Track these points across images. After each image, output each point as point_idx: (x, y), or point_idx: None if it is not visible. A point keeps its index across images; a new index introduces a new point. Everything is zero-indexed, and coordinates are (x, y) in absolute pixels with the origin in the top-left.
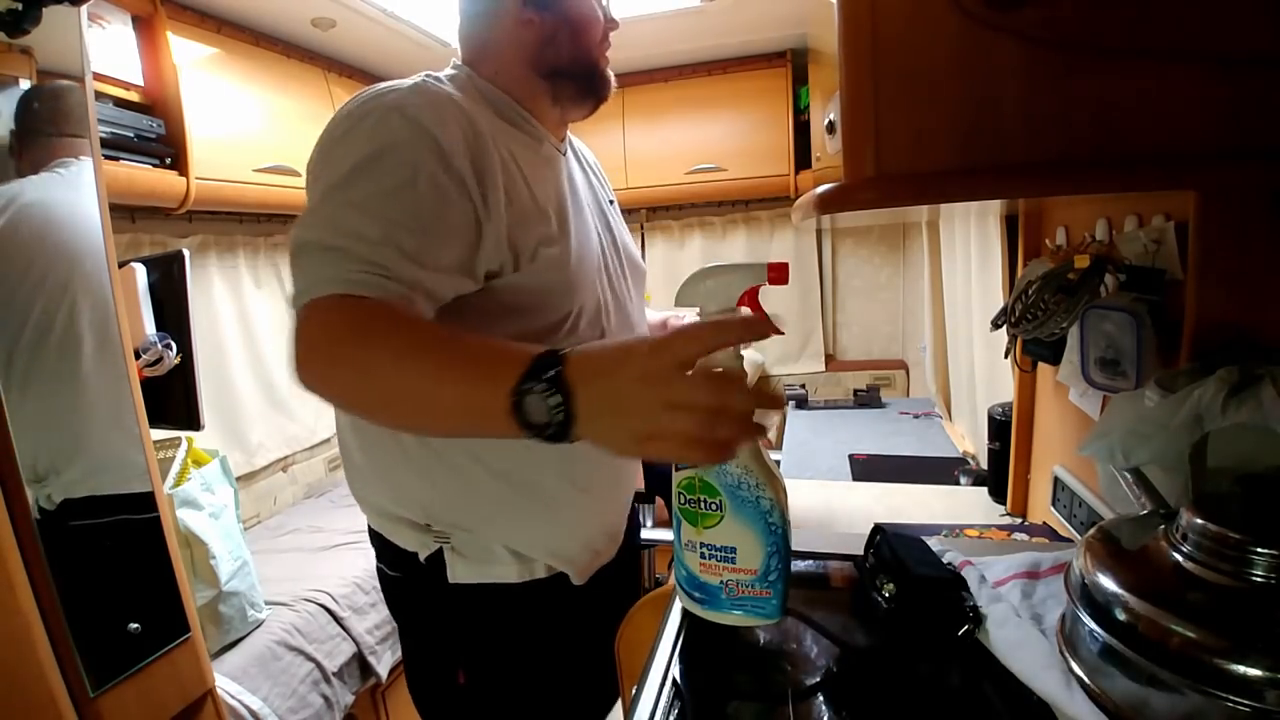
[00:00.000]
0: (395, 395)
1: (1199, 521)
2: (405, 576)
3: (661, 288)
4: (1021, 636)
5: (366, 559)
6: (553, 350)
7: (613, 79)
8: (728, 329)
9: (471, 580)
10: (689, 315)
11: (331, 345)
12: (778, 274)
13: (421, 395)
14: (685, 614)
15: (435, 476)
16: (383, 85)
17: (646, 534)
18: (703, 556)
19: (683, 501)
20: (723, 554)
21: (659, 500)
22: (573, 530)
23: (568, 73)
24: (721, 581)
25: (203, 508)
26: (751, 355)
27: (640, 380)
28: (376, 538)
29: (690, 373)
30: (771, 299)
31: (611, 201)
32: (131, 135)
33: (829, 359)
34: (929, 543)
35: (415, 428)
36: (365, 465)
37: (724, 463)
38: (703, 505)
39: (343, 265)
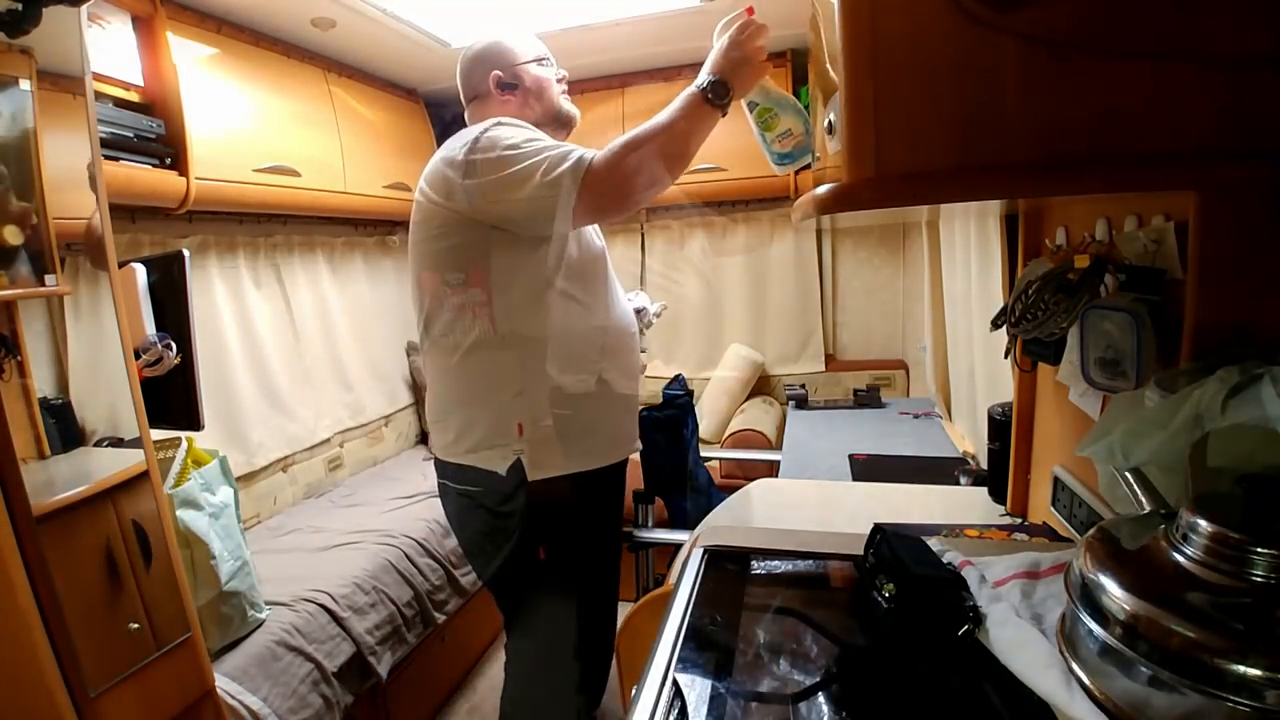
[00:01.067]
0: (666, 142)
1: (1199, 521)
2: (488, 489)
3: (661, 288)
4: (1021, 636)
5: (366, 559)
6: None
7: (576, 112)
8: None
9: (547, 475)
10: (638, 301)
11: (619, 159)
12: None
13: (675, 129)
14: (685, 613)
15: (535, 409)
16: (482, 125)
17: (646, 534)
18: (779, 138)
19: (760, 122)
20: (785, 135)
21: (659, 501)
22: (619, 429)
23: (543, 121)
24: (791, 149)
25: (203, 508)
26: (751, 355)
27: (743, 49)
28: (456, 471)
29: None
30: (772, 298)
31: None
32: (131, 135)
33: (829, 359)
34: (929, 543)
35: (685, 148)
36: (477, 418)
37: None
38: (769, 117)
39: (576, 157)
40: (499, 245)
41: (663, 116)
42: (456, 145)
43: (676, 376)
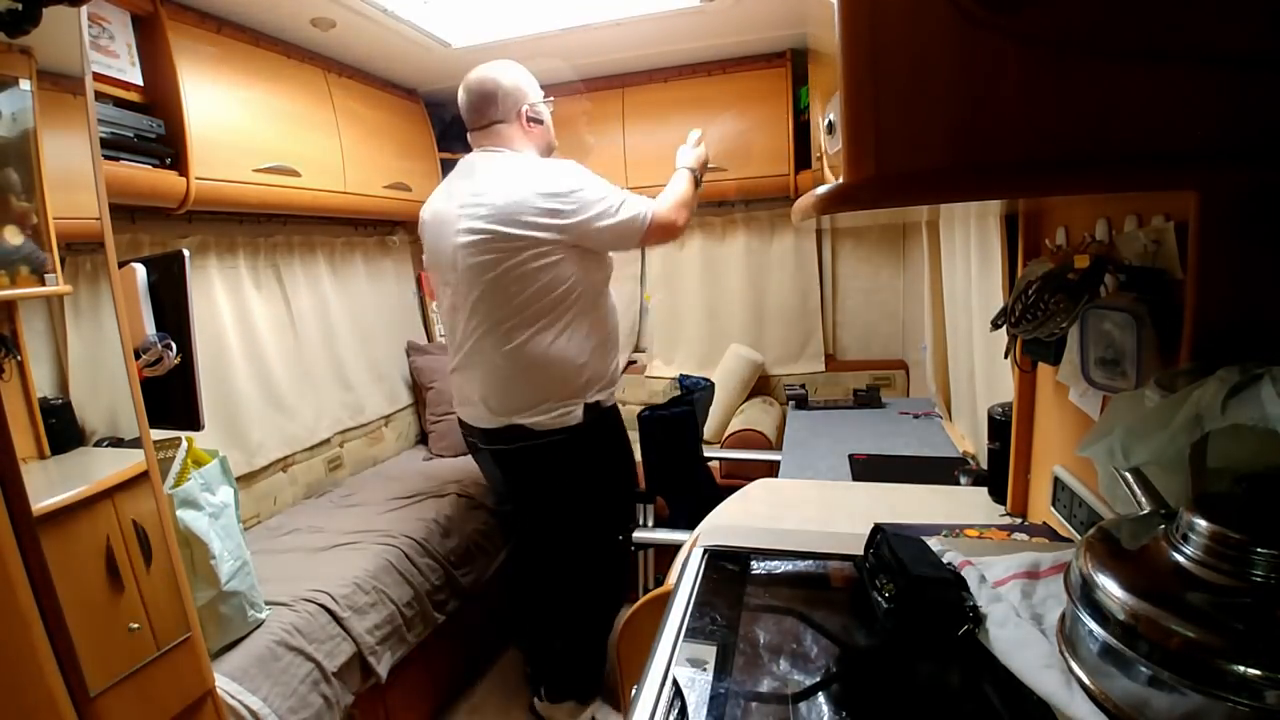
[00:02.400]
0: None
1: (1199, 521)
2: (569, 430)
3: (661, 287)
4: (1021, 636)
5: (366, 559)
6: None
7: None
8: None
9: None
10: None
11: (672, 215)
12: None
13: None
14: (685, 613)
15: (594, 375)
16: (570, 166)
17: (646, 534)
18: None
19: None
20: None
21: (659, 500)
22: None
23: (545, 150)
24: None
25: (203, 508)
26: (751, 355)
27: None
28: (532, 433)
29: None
30: (772, 299)
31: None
32: (131, 135)
33: (829, 359)
34: (929, 543)
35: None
36: (555, 387)
37: None
38: None
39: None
40: (586, 261)
41: (680, 189)
42: (551, 186)
43: (678, 377)
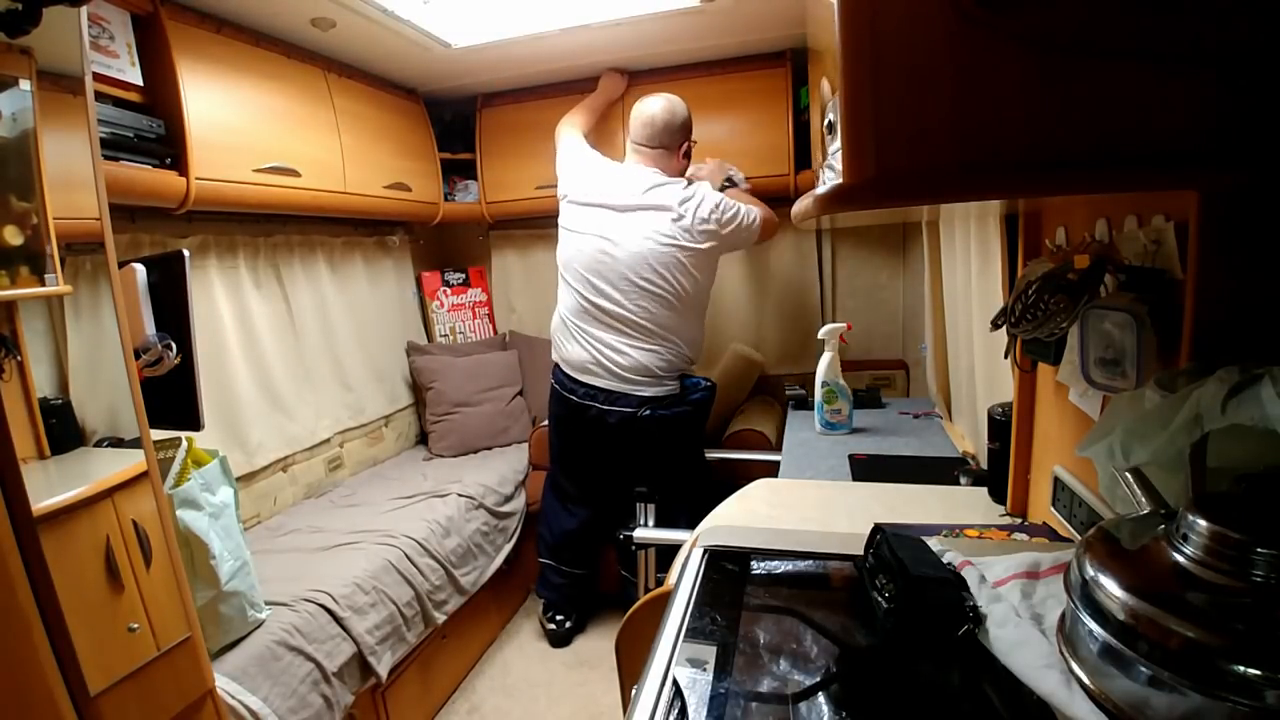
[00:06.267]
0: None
1: (1199, 521)
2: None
3: None
4: (1021, 636)
5: (366, 559)
6: None
7: None
8: None
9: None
10: None
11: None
12: None
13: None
14: (685, 613)
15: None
16: (710, 192)
17: (646, 534)
18: (832, 412)
19: (824, 396)
20: (835, 411)
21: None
22: None
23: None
24: (834, 422)
25: (203, 508)
26: (751, 355)
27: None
28: (662, 398)
29: None
30: (771, 298)
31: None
32: (131, 135)
33: None
34: (929, 543)
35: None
36: (686, 352)
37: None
38: (830, 395)
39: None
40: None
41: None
42: (708, 209)
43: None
